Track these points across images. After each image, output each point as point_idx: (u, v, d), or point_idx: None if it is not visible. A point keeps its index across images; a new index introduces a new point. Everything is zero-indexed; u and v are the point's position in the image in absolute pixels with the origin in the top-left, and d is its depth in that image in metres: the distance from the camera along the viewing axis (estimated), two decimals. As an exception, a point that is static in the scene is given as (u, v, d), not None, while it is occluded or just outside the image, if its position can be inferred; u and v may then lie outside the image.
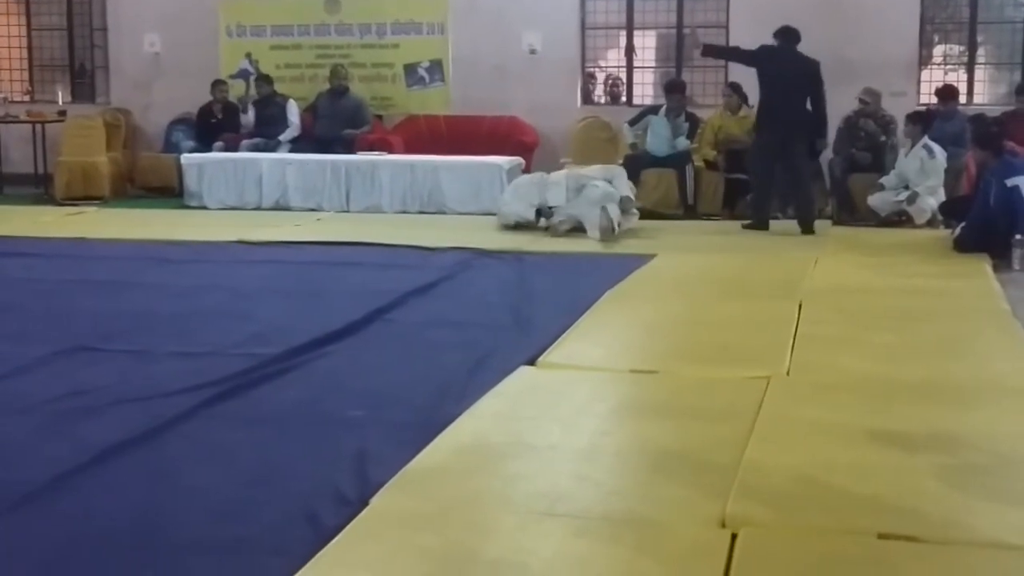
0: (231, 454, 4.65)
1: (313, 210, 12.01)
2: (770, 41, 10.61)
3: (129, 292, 7.91)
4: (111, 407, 5.16)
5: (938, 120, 11.50)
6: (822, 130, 10.71)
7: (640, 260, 8.81)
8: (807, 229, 10.40)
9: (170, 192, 12.89)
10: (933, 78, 13.42)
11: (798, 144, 10.46)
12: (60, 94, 14.62)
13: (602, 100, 14.40)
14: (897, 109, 11.90)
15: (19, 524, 3.94)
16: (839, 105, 11.98)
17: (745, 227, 10.54)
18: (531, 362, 5.89)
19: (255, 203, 12.26)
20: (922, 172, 10.80)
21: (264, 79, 13.55)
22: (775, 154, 10.46)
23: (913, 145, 10.96)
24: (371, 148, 12.82)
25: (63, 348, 6.18)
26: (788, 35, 10.55)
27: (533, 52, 13.63)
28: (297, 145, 13.21)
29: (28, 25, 15.33)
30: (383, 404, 5.31)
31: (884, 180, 11.13)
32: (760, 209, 10.65)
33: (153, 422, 4.92)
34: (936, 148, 10.83)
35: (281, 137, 13.21)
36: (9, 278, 8.36)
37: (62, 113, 14.08)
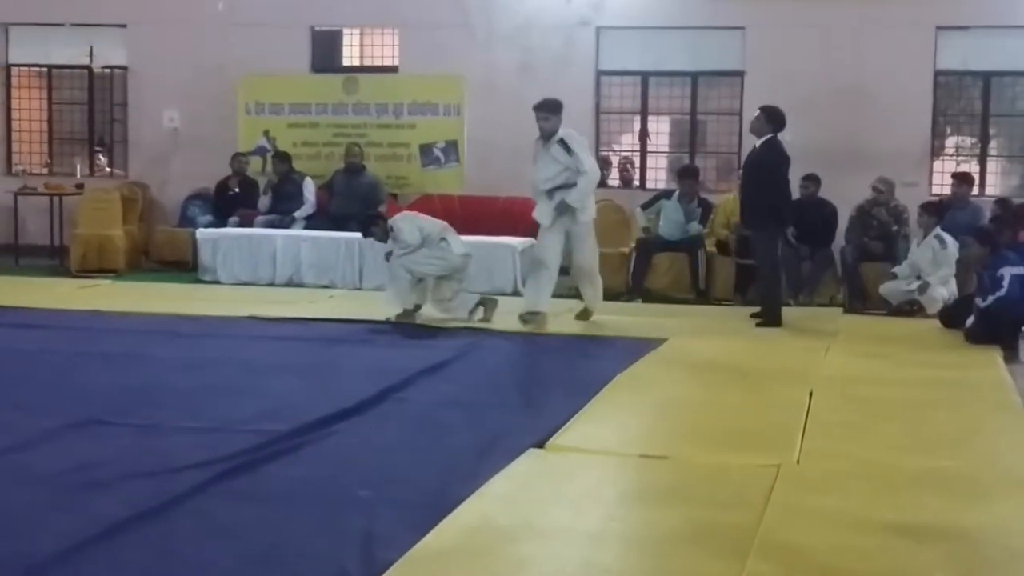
0: (239, 532, 4.64)
1: (326, 287, 12.06)
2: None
3: (141, 366, 7.93)
4: (120, 481, 5.16)
5: (951, 210, 11.56)
6: (777, 216, 10.10)
7: (651, 344, 8.82)
8: (757, 318, 10.15)
9: (184, 266, 12.97)
10: (945, 169, 13.51)
11: (756, 233, 10.21)
12: (78, 167, 14.78)
13: (615, 183, 14.49)
14: (909, 199, 11.97)
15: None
16: (852, 194, 12.07)
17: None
18: (540, 445, 5.88)
19: (269, 279, 12.32)
20: (934, 262, 10.83)
21: (281, 156, 13.68)
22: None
23: (926, 235, 11.00)
24: (386, 226, 12.87)
25: (74, 421, 6.19)
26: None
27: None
28: (312, 222, 13.30)
29: (49, 99, 15.53)
30: (392, 484, 5.30)
31: (896, 269, 11.16)
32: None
33: (161, 497, 4.92)
34: (948, 239, 10.88)
35: (296, 214, 13.31)
36: (22, 350, 8.39)
37: (80, 186, 14.22)
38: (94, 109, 15.39)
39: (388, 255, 9.90)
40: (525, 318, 9.56)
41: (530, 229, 12.87)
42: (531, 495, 5.11)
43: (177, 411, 6.56)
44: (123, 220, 13.74)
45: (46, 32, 15.10)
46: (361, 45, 15.72)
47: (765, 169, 9.86)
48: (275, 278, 12.34)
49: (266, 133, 14.16)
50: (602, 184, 14.11)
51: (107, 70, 15.10)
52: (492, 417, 6.58)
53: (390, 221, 10.04)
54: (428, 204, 13.74)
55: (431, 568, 4.22)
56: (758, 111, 10.11)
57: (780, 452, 5.81)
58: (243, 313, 9.96)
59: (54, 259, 13.49)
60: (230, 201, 13.60)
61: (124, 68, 14.96)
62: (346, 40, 15.53)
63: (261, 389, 7.19)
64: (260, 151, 14.10)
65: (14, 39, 15.24)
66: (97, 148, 15.44)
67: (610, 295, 11.22)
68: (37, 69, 15.48)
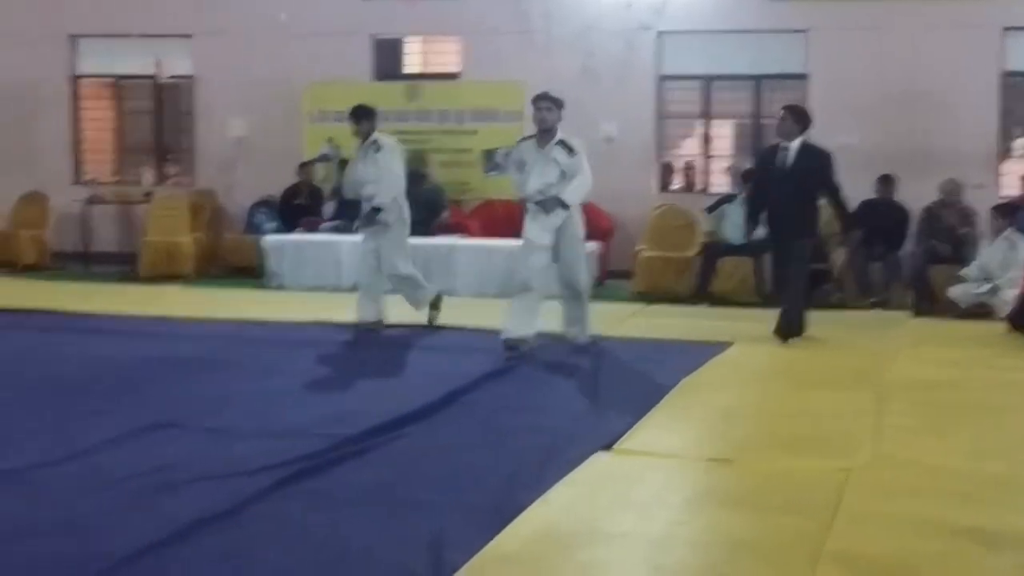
0: (307, 534, 4.68)
1: (390, 292, 12.11)
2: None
3: (210, 371, 8.03)
4: (190, 484, 5.23)
5: (1020, 211, 11.41)
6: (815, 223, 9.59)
7: (716, 348, 8.79)
8: (777, 332, 9.37)
9: (251, 273, 13.10)
10: (1014, 171, 13.33)
11: (798, 242, 9.29)
12: (147, 176, 14.99)
13: (678, 188, 14.45)
14: (977, 201, 11.82)
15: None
16: (920, 196, 11.95)
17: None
18: (606, 448, 5.88)
19: (334, 285, 12.41)
20: (1004, 264, 10.70)
21: (345, 163, 13.75)
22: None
23: (996, 237, 10.87)
24: (449, 232, 12.96)
25: (146, 425, 6.28)
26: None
27: (610, 140, 13.75)
28: (376, 228, 13.35)
29: (118, 109, 15.76)
30: (458, 488, 5.32)
31: (965, 272, 11.02)
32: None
33: (232, 500, 4.97)
34: (1020, 240, 10.74)
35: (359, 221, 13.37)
36: (94, 355, 8.52)
37: (148, 194, 14.43)
38: (161, 118, 15.59)
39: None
40: (510, 345, 8.51)
41: (591, 234, 12.92)
42: (597, 499, 5.11)
43: (247, 415, 6.64)
44: (191, 227, 13.92)
45: (114, 43, 15.33)
46: (423, 52, 15.79)
47: (808, 174, 9.17)
48: (340, 283, 12.42)
49: (330, 140, 14.22)
50: (664, 188, 14.15)
51: (174, 80, 15.29)
52: (557, 421, 6.59)
53: None
54: (490, 210, 13.81)
55: (498, 572, 4.23)
56: (783, 111, 9.56)
57: (849, 457, 5.77)
58: (309, 318, 10.05)
59: (124, 266, 13.68)
60: (297, 210, 13.72)
61: (190, 78, 15.14)
62: (408, 48, 15.61)
63: (329, 394, 7.27)
64: (324, 158, 14.17)
65: (83, 50, 15.48)
66: (169, 157, 15.64)
67: (675, 299, 11.21)
68: (105, 80, 15.70)
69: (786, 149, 9.28)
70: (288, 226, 13.49)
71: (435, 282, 12.10)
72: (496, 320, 9.90)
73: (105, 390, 7.38)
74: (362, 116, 9.84)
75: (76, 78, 15.51)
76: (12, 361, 8.29)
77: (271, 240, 12.91)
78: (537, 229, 8.66)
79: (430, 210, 13.29)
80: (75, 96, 15.52)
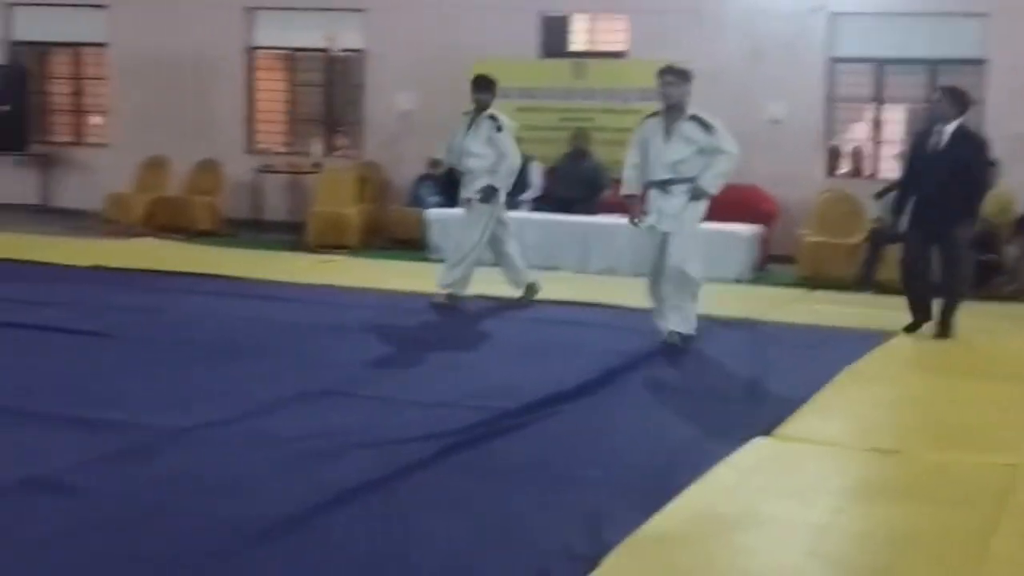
0: (464, 504, 4.76)
1: (551, 269, 12.17)
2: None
3: (373, 339, 8.19)
4: (351, 451, 5.34)
5: None
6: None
7: (880, 337, 8.60)
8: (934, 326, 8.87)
9: (415, 245, 13.28)
10: None
11: (959, 230, 8.84)
12: (316, 147, 15.32)
13: (845, 173, 14.16)
14: None
15: (257, 558, 4.12)
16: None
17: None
18: (765, 433, 5.83)
19: (495, 260, 12.48)
20: None
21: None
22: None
23: None
24: (611, 211, 12.94)
25: (310, 391, 6.45)
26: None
27: (776, 122, 13.54)
28: (538, 205, 13.44)
29: (291, 81, 16.13)
30: (615, 466, 5.34)
31: None
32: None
33: (390, 468, 5.08)
34: None
35: (522, 197, 13.46)
36: (264, 320, 8.76)
37: (317, 165, 14.75)
38: (332, 91, 15.91)
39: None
40: (674, 338, 8.07)
41: (754, 217, 12.77)
42: (756, 484, 5.08)
43: (407, 385, 6.76)
44: (357, 199, 14.18)
45: (288, 16, 15.68)
46: (590, 30, 15.77)
47: (961, 160, 8.66)
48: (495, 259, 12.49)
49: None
50: (831, 173, 13.88)
51: (345, 53, 15.57)
52: (716, 404, 6.56)
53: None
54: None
55: (655, 551, 4.24)
56: (938, 92, 9.13)
57: (1017, 452, 5.61)
58: (471, 293, 10.15)
59: (293, 234, 14.02)
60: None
61: (361, 51, 15.40)
62: (575, 25, 15.59)
63: (489, 367, 7.34)
64: (489, 132, 14.29)
65: (260, 22, 15.87)
66: (338, 129, 15.96)
67: (839, 286, 11.01)
68: (279, 52, 16.08)
69: (940, 133, 8.84)
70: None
71: (595, 261, 12.18)
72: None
73: (271, 355, 7.59)
74: (484, 87, 9.84)
75: (251, 50, 15.92)
76: (186, 324, 8.56)
77: (434, 213, 13.07)
78: (673, 210, 8.14)
79: (591, 188, 13.30)
80: (250, 68, 15.92)
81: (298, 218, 14.41)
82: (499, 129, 9.70)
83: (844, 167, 14.24)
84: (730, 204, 12.85)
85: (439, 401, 6.33)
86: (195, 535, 4.27)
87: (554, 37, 15.08)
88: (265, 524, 4.37)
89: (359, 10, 15.22)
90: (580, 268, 12.23)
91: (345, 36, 15.42)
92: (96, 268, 10.92)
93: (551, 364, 7.42)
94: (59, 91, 16.85)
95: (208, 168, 15.19)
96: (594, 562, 4.09)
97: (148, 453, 5.23)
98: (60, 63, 16.92)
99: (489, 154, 9.73)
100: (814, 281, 11.55)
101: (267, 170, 14.98)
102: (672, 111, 8.13)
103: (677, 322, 8.08)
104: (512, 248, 10.07)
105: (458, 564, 4.13)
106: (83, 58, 16.69)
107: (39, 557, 4.06)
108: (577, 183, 13.34)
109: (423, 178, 14.46)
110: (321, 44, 15.38)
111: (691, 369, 7.60)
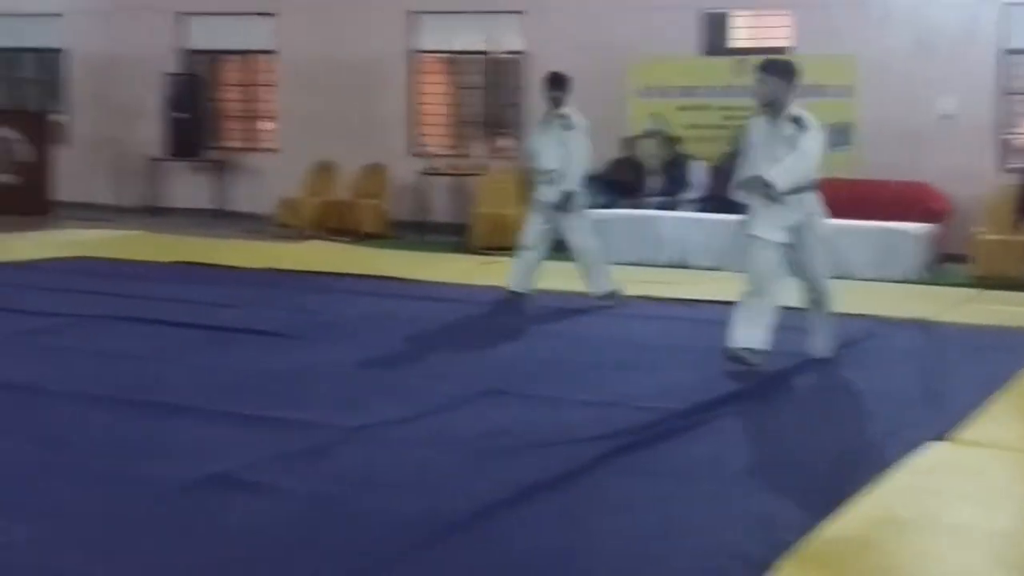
0: (635, 505, 4.79)
1: (714, 269, 12.09)
2: None
3: (539, 340, 8.28)
4: (527, 449, 5.42)
5: None
6: None
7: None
8: None
9: (577, 246, 13.30)
10: None
11: None
12: (478, 149, 15.50)
13: (1020, 167, 13.71)
14: None
15: (444, 553, 4.23)
16: None
17: None
18: (942, 438, 5.71)
19: (656, 260, 12.48)
20: None
21: (671, 140, 13.82)
22: None
23: None
24: (773, 209, 12.78)
25: (483, 390, 6.55)
26: None
27: (947, 117, 13.21)
28: (700, 204, 13.37)
29: (453, 83, 16.35)
30: (787, 468, 5.31)
31: None
32: None
33: (565, 467, 5.14)
34: None
35: (684, 196, 13.42)
36: (429, 320, 8.91)
37: (479, 167, 14.93)
38: (493, 93, 16.06)
39: None
40: (738, 356, 7.22)
41: (924, 215, 12.47)
42: (935, 488, 4.99)
43: (575, 385, 6.80)
44: (519, 200, 14.28)
45: (450, 19, 15.89)
46: (752, 26, 15.60)
47: None
48: (662, 259, 12.48)
49: (656, 116, 14.33)
50: (1005, 168, 13.47)
51: (505, 55, 15.72)
52: (889, 406, 6.45)
53: None
54: (826, 188, 13.51)
55: (833, 554, 4.21)
56: None
57: None
58: (634, 293, 10.15)
59: (457, 236, 14.22)
60: (621, 184, 13.87)
61: (520, 53, 15.53)
62: (736, 22, 15.45)
63: (654, 367, 7.34)
64: (650, 134, 14.28)
65: (422, 26, 16.13)
66: (499, 131, 16.11)
67: (1016, 286, 10.69)
68: (441, 55, 16.31)
69: None
70: (611, 200, 13.66)
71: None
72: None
73: (443, 354, 7.75)
74: (557, 84, 9.66)
75: (414, 53, 16.18)
76: (354, 324, 8.76)
77: (597, 215, 13.09)
78: (766, 223, 7.41)
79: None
80: (413, 71, 16.19)
81: (462, 220, 14.59)
82: (569, 127, 9.54)
83: (1018, 162, 13.80)
84: (900, 202, 12.66)
85: (607, 401, 6.36)
86: (376, 531, 4.39)
87: (714, 34, 14.96)
88: (443, 521, 4.46)
89: (518, 12, 15.35)
90: (743, 268, 12.08)
91: (505, 38, 15.58)
92: (269, 270, 11.25)
93: (716, 365, 7.37)
94: (231, 98, 17.39)
95: (374, 171, 15.50)
96: (769, 566, 4.07)
97: (328, 451, 5.39)
98: (232, 70, 17.46)
99: (561, 154, 9.58)
100: (989, 281, 11.23)
101: (431, 172, 15.22)
102: (770, 111, 7.43)
103: (744, 335, 7.26)
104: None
105: (630, 567, 4.16)
106: (254, 65, 17.19)
107: (225, 552, 4.22)
108: (739, 182, 13.21)
109: (585, 179, 14.51)
110: (482, 47, 15.57)
111: (861, 371, 7.45)
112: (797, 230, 7.39)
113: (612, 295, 9.70)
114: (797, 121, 7.31)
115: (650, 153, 14.11)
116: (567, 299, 9.96)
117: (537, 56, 15.32)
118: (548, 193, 9.65)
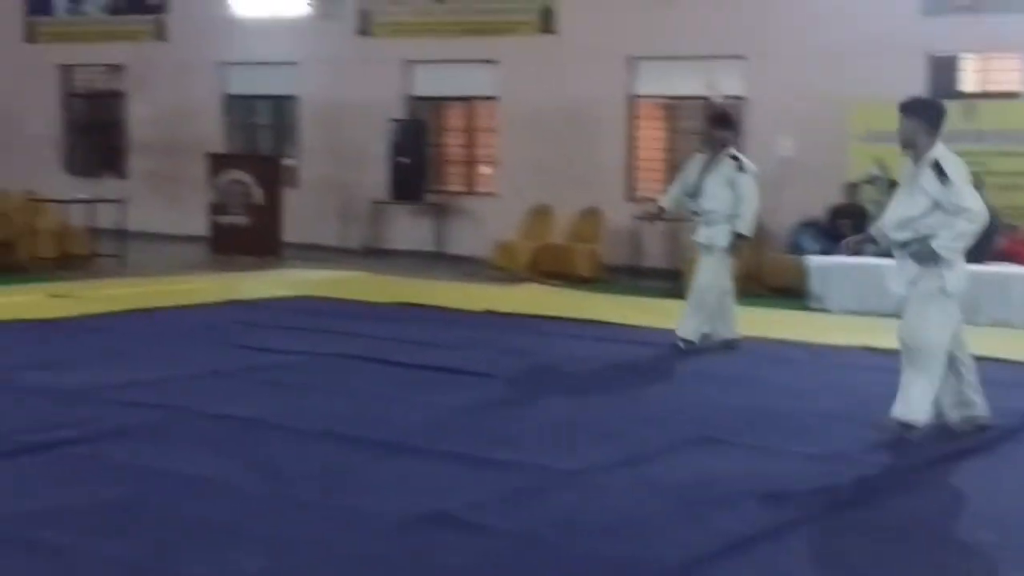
0: (852, 563, 4.69)
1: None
2: None
3: (751, 388, 8.15)
4: (739, 499, 5.36)
5: None
6: None
7: None
8: None
9: (794, 293, 13.10)
10: None
11: None
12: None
13: None
14: None
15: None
16: None
17: None
18: None
19: (878, 309, 12.14)
20: None
21: (894, 185, 13.46)
22: None
23: None
24: (1003, 259, 12.32)
25: (692, 437, 6.52)
26: None
27: None
28: (925, 252, 12.95)
29: (670, 128, 16.36)
30: (1012, 529, 5.09)
31: None
32: None
33: (778, 520, 5.06)
34: None
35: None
36: (640, 366, 8.95)
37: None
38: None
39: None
40: (899, 429, 6.53)
41: None
42: None
43: (789, 435, 6.68)
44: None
45: (670, 64, 15.93)
46: (982, 70, 15.12)
47: None
48: (885, 309, 12.13)
49: (878, 161, 14.01)
50: None
51: (725, 99, 15.64)
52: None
53: None
54: (1050, 237, 13.00)
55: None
56: None
57: None
58: (855, 343, 9.92)
59: (670, 281, 14.16)
60: (843, 230, 13.59)
61: (742, 98, 15.42)
62: (965, 65, 15.00)
63: (873, 419, 7.13)
64: (872, 179, 13.97)
65: (642, 71, 16.21)
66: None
67: None
68: (660, 100, 16.35)
69: None
70: (833, 247, 13.39)
71: (986, 312, 11.60)
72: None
73: (650, 399, 7.75)
74: (725, 123, 9.54)
75: (633, 99, 16.26)
76: (569, 367, 8.85)
77: (816, 261, 12.87)
78: (901, 276, 6.81)
79: (983, 236, 12.65)
80: (631, 116, 16.27)
81: (676, 265, 14.54)
82: (742, 170, 9.33)
83: None
84: None
85: (824, 453, 6.25)
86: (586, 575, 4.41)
87: (943, 78, 14.57)
88: (652, 569, 4.46)
89: (740, 57, 15.27)
90: (970, 319, 11.66)
91: (726, 83, 15.51)
92: (486, 312, 11.44)
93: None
94: (453, 143, 17.81)
95: (590, 216, 15.61)
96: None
97: (541, 493, 5.45)
98: (454, 116, 17.90)
99: (728, 196, 9.35)
100: None
101: (647, 217, 15.21)
102: (911, 153, 6.81)
103: (899, 405, 6.58)
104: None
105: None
106: (475, 111, 17.59)
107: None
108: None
109: (804, 225, 14.30)
110: (702, 92, 15.54)
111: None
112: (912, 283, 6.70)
113: (732, 343, 9.54)
114: (938, 169, 6.58)
115: (872, 199, 13.80)
116: (781, 347, 9.81)
117: (758, 101, 15.22)
118: (711, 235, 9.51)
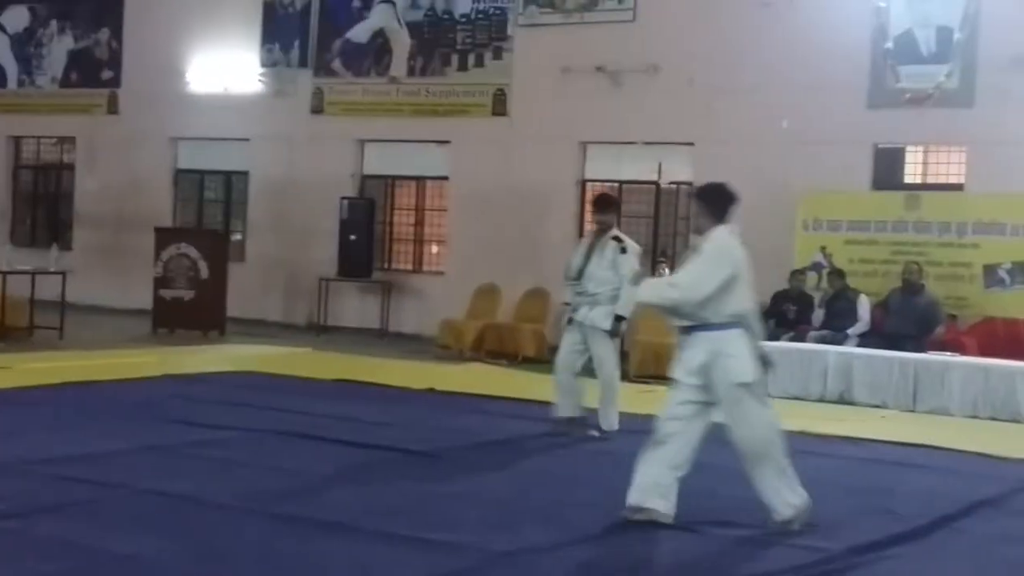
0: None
1: (877, 407, 11.80)
2: None
3: (695, 471, 8.11)
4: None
5: None
6: None
7: None
8: None
9: (736, 377, 13.15)
10: None
11: None
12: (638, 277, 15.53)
13: None
14: None
15: None
16: None
17: None
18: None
19: (818, 395, 12.25)
20: None
21: (837, 273, 13.66)
22: None
23: None
24: (942, 348, 12.47)
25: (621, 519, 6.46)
26: None
27: None
28: (865, 340, 13.10)
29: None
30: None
31: None
32: None
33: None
34: None
35: (850, 331, 13.17)
36: (585, 447, 8.94)
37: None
38: (657, 222, 16.14)
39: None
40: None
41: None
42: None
43: (726, 519, 6.62)
44: (679, 329, 14.22)
45: (620, 149, 16.12)
46: (925, 162, 15.40)
47: None
48: (825, 394, 12.24)
49: (823, 249, 14.20)
50: None
51: (673, 185, 15.82)
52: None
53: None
54: (990, 328, 13.17)
55: None
56: None
57: None
58: (794, 428, 9.92)
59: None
60: (785, 315, 13.72)
61: (689, 184, 15.60)
62: (909, 157, 15.28)
63: (814, 504, 7.15)
64: (816, 267, 14.15)
65: (591, 156, 16.38)
66: (660, 259, 16.14)
67: None
68: (609, 184, 16.50)
69: None
70: (775, 333, 13.49)
71: (925, 400, 11.70)
72: (991, 444, 9.44)
73: (595, 482, 7.69)
74: (606, 206, 9.57)
75: (583, 182, 16.41)
76: (509, 448, 8.82)
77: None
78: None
79: (924, 324, 12.86)
80: (581, 199, 16.40)
81: (623, 347, 14.58)
82: (623, 251, 9.24)
83: None
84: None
85: (761, 536, 6.22)
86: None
87: (887, 169, 14.83)
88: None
89: (689, 143, 15.48)
90: (908, 407, 11.79)
91: (674, 169, 15.70)
92: (429, 391, 11.39)
93: (879, 506, 7.17)
94: (402, 221, 17.86)
95: (536, 296, 15.67)
96: None
97: (473, 575, 5.37)
98: (404, 195, 17.97)
99: (612, 278, 9.20)
100: None
101: (565, 320, 15.24)
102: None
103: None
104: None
105: None
106: (425, 190, 17.68)
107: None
108: (909, 319, 12.94)
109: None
110: (650, 176, 15.72)
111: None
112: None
113: (608, 434, 9.35)
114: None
115: (815, 286, 13.96)
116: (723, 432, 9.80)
117: (704, 187, 15.39)
118: (593, 317, 9.32)
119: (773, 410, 6.65)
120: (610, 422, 9.40)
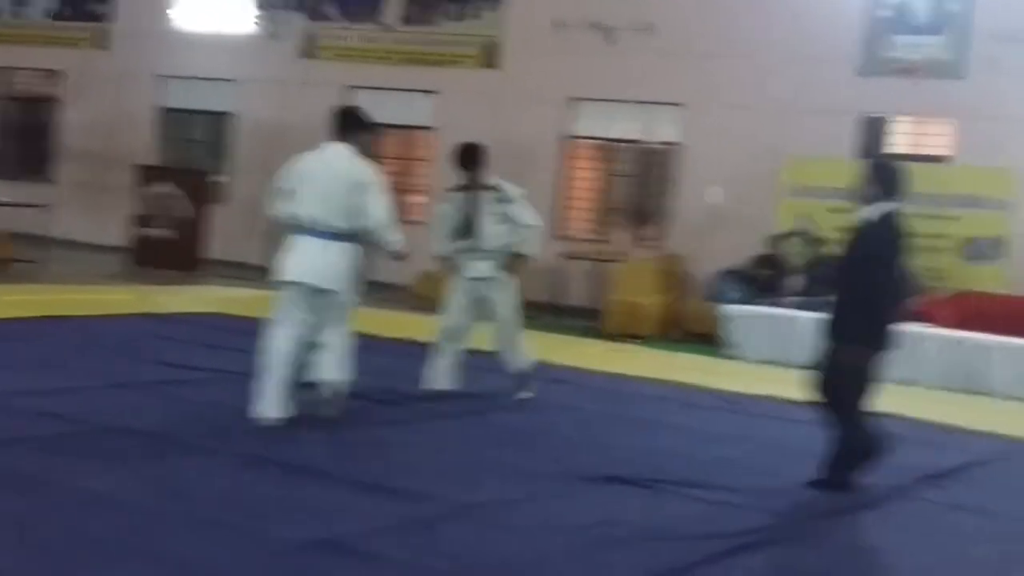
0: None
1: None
2: None
3: (658, 431, 8.22)
4: (634, 542, 5.36)
5: None
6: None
7: None
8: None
9: (711, 340, 13.26)
10: None
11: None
12: (620, 236, 15.58)
13: None
14: None
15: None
16: None
17: None
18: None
19: (790, 360, 12.31)
20: None
21: (818, 240, 13.71)
22: None
23: None
24: (917, 319, 12.54)
25: (593, 476, 6.53)
26: None
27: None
28: (842, 307, 13.15)
29: (604, 170, 16.50)
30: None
31: None
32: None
33: (676, 563, 5.07)
34: None
35: (828, 298, 13.21)
36: (552, 404, 8.93)
37: (621, 254, 14.99)
38: (644, 182, 16.16)
39: None
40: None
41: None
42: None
43: (691, 480, 6.70)
44: (657, 290, 14.29)
45: (609, 107, 16.09)
46: (913, 133, 15.42)
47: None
48: (796, 359, 12.29)
49: (805, 216, 14.23)
50: None
51: (661, 145, 15.82)
52: (1019, 529, 6.24)
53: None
54: (964, 301, 13.25)
55: None
56: None
57: None
58: (764, 392, 10.04)
59: (591, 321, 14.25)
60: (762, 281, 13.78)
61: (677, 144, 15.60)
62: (896, 128, 15.28)
63: (775, 470, 7.24)
64: (795, 233, 14.19)
65: (581, 113, 16.35)
66: (646, 220, 16.20)
67: None
68: (595, 142, 16.50)
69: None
70: (752, 296, 13.56)
71: (898, 370, 11.76)
72: (957, 416, 9.53)
73: (556, 439, 7.74)
74: (470, 158, 9.15)
75: (569, 139, 16.39)
76: (482, 401, 8.85)
77: (735, 309, 13.02)
78: None
79: (899, 296, 12.90)
80: (566, 156, 16.38)
81: (598, 305, 14.64)
82: (505, 200, 8.91)
83: None
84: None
85: (721, 500, 6.29)
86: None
87: (872, 139, 14.85)
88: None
89: (677, 104, 15.46)
90: (880, 377, 11.84)
91: (661, 129, 15.70)
92: (404, 341, 11.42)
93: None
94: (387, 170, 17.77)
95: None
96: None
97: (440, 525, 5.41)
98: (391, 144, 17.89)
99: (505, 230, 8.90)
100: None
101: (572, 256, 15.32)
102: None
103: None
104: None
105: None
106: (412, 140, 17.63)
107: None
108: (885, 288, 12.98)
109: (726, 273, 14.46)
110: (637, 136, 15.71)
111: (991, 491, 7.25)
112: None
113: (524, 375, 9.06)
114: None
115: (794, 252, 14.01)
116: (695, 394, 9.90)
117: (691, 148, 15.41)
118: (480, 268, 8.99)
119: None
120: (527, 358, 9.07)
